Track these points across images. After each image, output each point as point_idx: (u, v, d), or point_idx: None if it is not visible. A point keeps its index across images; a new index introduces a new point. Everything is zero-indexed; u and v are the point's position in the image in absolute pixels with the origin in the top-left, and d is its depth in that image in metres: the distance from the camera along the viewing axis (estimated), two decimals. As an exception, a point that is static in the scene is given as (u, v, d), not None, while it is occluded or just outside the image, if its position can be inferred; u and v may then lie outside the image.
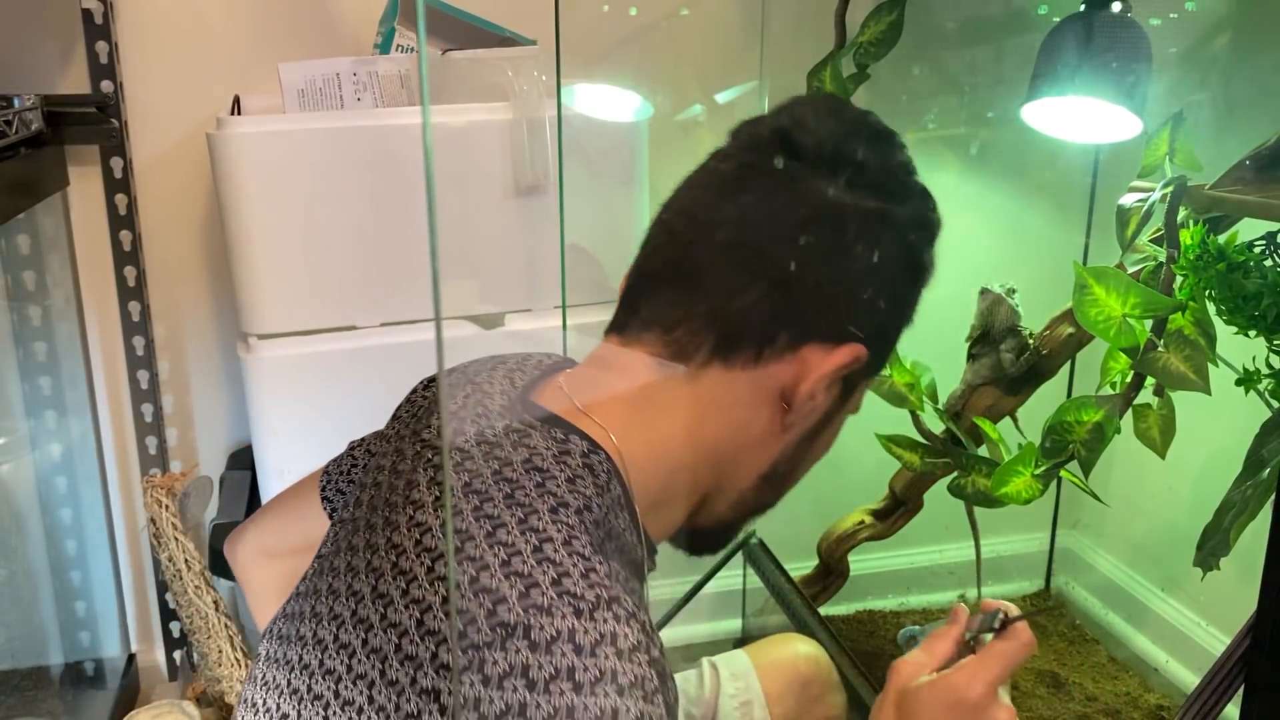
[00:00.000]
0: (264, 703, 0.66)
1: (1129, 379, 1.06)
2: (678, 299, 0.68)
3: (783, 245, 0.66)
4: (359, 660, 0.59)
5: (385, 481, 0.70)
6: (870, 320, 0.69)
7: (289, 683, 0.64)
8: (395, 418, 0.81)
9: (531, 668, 0.53)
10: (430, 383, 0.82)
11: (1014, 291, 1.30)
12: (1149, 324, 1.02)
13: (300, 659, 0.64)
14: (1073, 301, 1.02)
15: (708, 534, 0.76)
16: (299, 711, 0.62)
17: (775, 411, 0.69)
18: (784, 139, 0.69)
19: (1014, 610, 0.72)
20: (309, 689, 0.62)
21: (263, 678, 0.68)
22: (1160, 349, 1.00)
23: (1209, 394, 0.98)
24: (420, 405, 0.79)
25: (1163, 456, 1.06)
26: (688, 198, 0.71)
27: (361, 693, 0.58)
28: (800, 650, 1.13)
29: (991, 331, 1.30)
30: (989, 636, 0.72)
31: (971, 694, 0.68)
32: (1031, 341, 1.28)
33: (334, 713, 0.59)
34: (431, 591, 0.58)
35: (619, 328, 0.71)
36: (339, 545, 0.69)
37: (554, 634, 0.54)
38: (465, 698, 0.53)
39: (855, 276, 0.67)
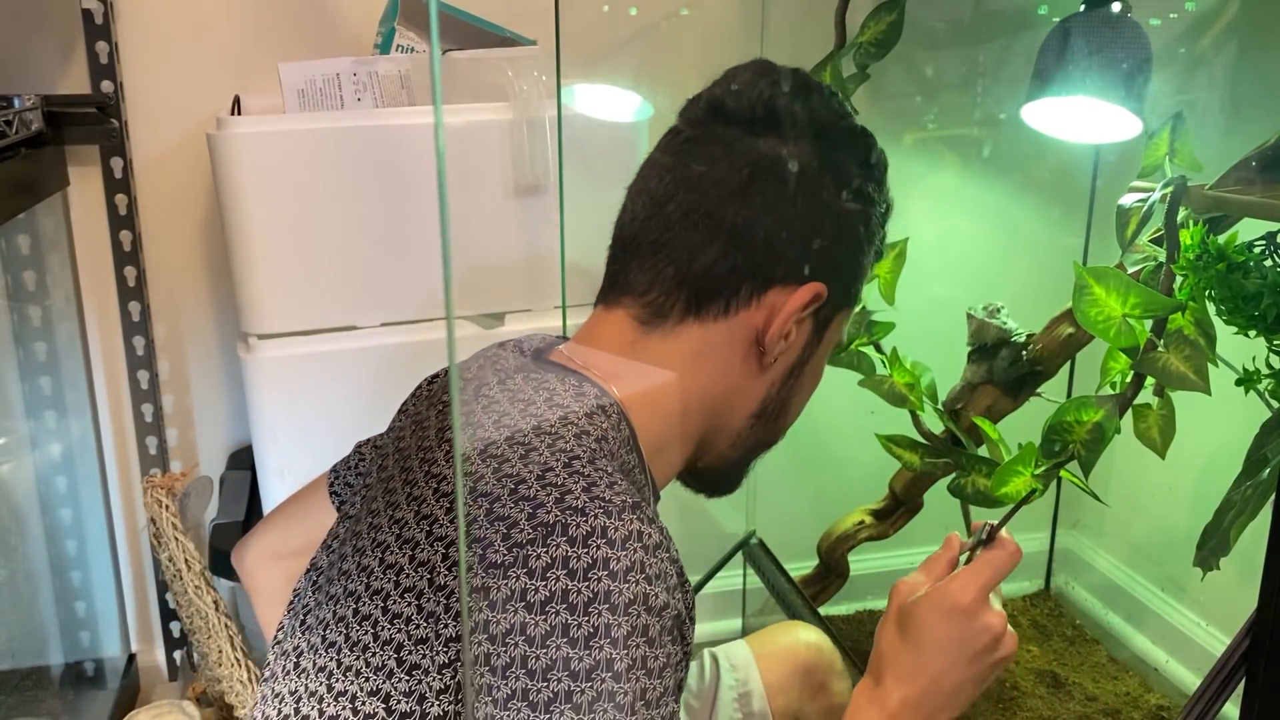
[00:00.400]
0: (308, 644, 0.70)
1: (1129, 379, 1.06)
2: (647, 266, 0.75)
3: (731, 203, 0.73)
4: (406, 575, 0.65)
5: (410, 443, 0.76)
6: (827, 259, 0.75)
7: (335, 614, 0.69)
8: (402, 411, 0.85)
9: (571, 559, 0.59)
10: (434, 379, 0.86)
11: (999, 310, 1.31)
12: (1149, 324, 1.02)
13: (345, 589, 0.69)
14: (1072, 301, 1.02)
15: (718, 474, 0.83)
16: (347, 635, 0.67)
17: (753, 355, 0.75)
18: (718, 107, 0.76)
19: (995, 523, 0.79)
20: (355, 612, 0.67)
21: (302, 623, 0.72)
22: (1160, 349, 1.00)
23: (1209, 394, 0.98)
24: (427, 394, 0.83)
25: (1162, 457, 1.06)
26: (645, 177, 0.78)
27: (410, 604, 0.64)
28: (802, 638, 1.12)
29: (986, 347, 1.31)
30: (980, 552, 0.78)
31: (965, 599, 0.74)
32: (1025, 353, 1.28)
33: (382, 628, 0.65)
34: (475, 506, 0.64)
35: (603, 298, 0.78)
36: (372, 494, 0.74)
37: (589, 530, 0.60)
38: (511, 590, 0.59)
39: (803, 222, 0.73)
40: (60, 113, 1.37)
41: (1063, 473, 1.10)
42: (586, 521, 0.60)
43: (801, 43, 1.44)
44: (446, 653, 0.62)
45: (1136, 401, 1.06)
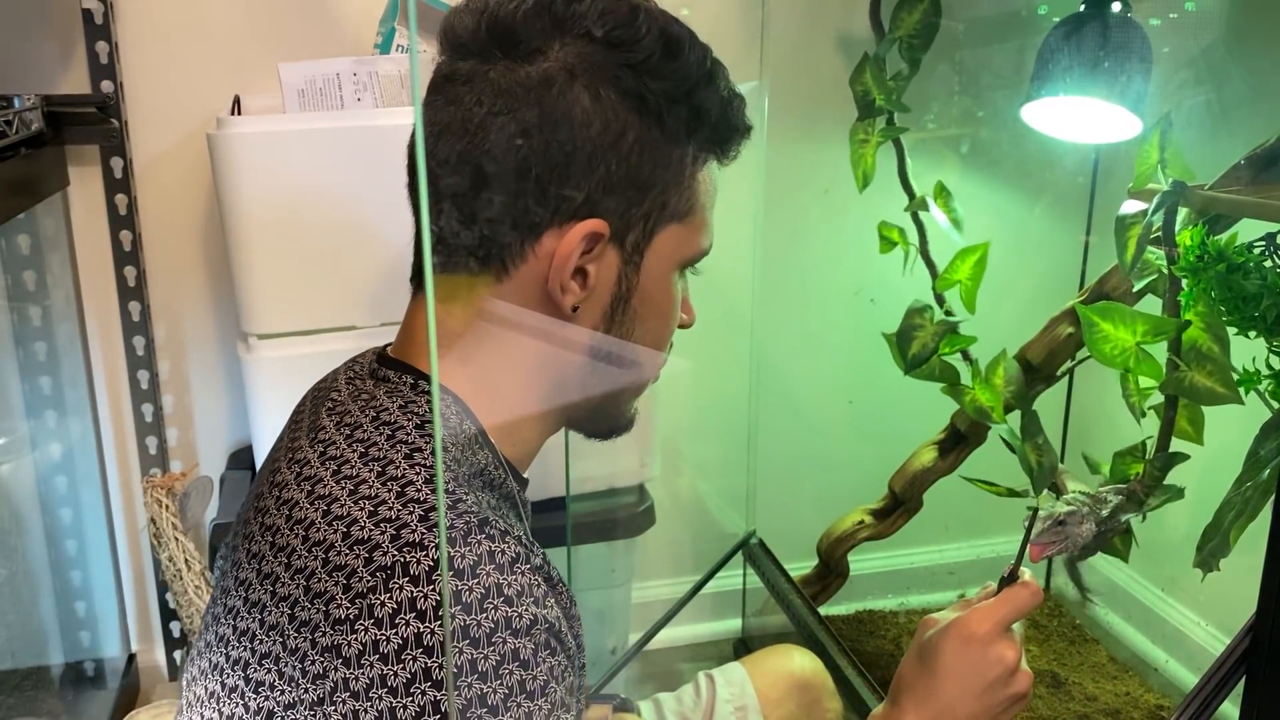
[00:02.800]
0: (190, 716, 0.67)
1: (1149, 394, 1.07)
2: (433, 244, 0.69)
3: (473, 149, 0.65)
4: (260, 641, 0.61)
5: (259, 491, 0.71)
6: (601, 188, 0.66)
7: (206, 689, 0.64)
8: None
9: (418, 600, 0.56)
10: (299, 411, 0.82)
11: (1090, 505, 1.07)
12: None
13: (211, 663, 0.65)
14: (1085, 340, 1.03)
15: (590, 424, 0.78)
16: (219, 711, 0.63)
17: (554, 307, 0.68)
18: (446, 39, 0.69)
19: (1027, 574, 0.80)
20: (223, 685, 0.63)
21: (185, 700, 0.68)
22: (1183, 368, 1.00)
23: (1242, 403, 0.99)
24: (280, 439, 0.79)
25: (1200, 443, 1.07)
26: (416, 132, 0.71)
27: (269, 670, 0.60)
28: (796, 659, 1.14)
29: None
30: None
31: (981, 629, 0.75)
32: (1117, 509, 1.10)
33: (250, 698, 0.61)
34: (310, 558, 0.60)
35: (412, 277, 0.73)
36: (225, 562, 0.71)
37: (432, 565, 0.56)
38: (363, 644, 0.56)
39: (553, 152, 0.65)
40: (60, 113, 1.37)
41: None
42: (428, 555, 0.57)
43: (802, 43, 1.44)
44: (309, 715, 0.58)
45: (1154, 403, 1.07)
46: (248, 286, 1.25)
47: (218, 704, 0.63)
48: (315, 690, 0.57)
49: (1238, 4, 1.29)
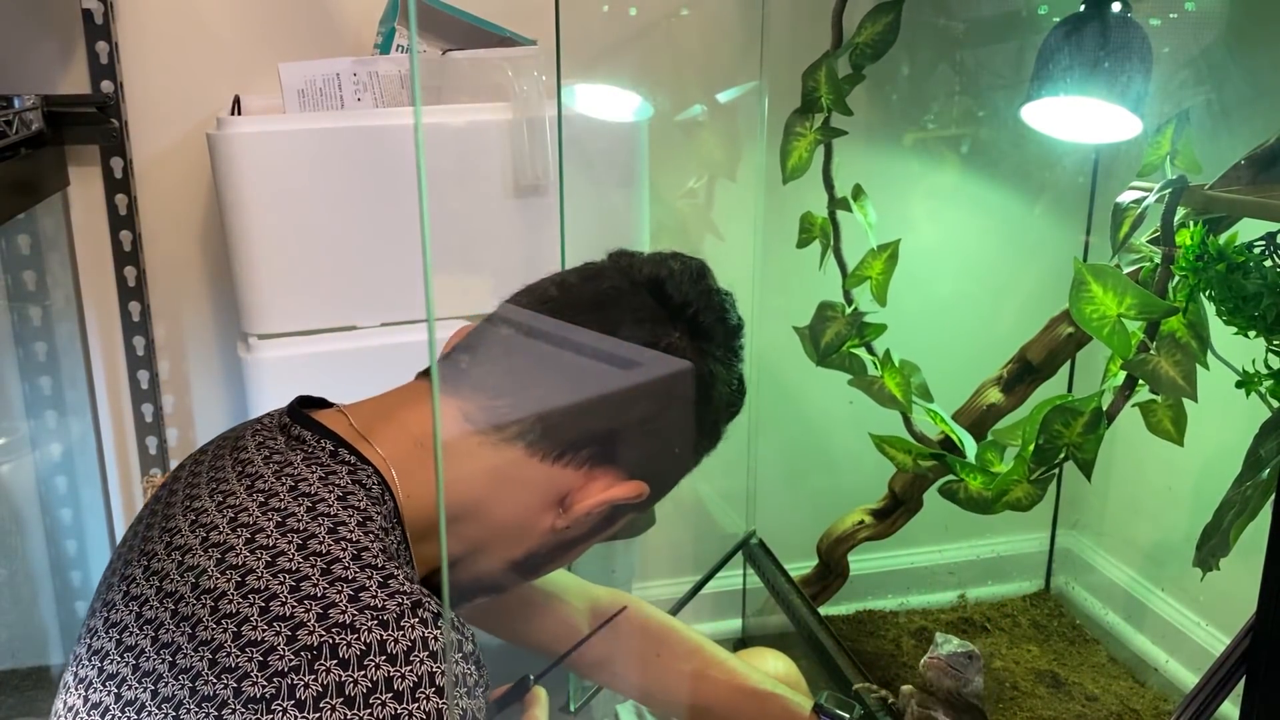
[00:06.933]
0: (65, 703, 0.65)
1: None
2: (515, 374, 0.75)
3: (621, 372, 0.73)
4: (149, 713, 0.58)
5: (146, 547, 0.68)
6: (662, 466, 0.76)
7: (84, 698, 0.63)
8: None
9: (346, 684, 0.54)
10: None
11: (974, 656, 0.99)
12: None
13: (76, 675, 0.63)
14: (1069, 298, 1.01)
15: (465, 586, 0.78)
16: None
17: (550, 511, 0.73)
18: (655, 282, 0.76)
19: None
20: (85, 699, 0.62)
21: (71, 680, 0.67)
22: (1153, 352, 0.99)
23: (1195, 400, 0.98)
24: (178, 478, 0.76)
25: (1181, 444, 1.06)
26: (560, 290, 0.77)
27: (146, 690, 0.58)
28: (770, 661, 1.15)
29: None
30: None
31: None
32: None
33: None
34: (219, 630, 0.58)
35: (447, 379, 0.75)
36: (102, 607, 0.68)
37: (364, 648, 0.55)
38: None
39: (668, 424, 0.75)
40: (60, 113, 1.37)
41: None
42: (359, 638, 0.55)
43: (801, 43, 1.44)
44: None
45: (1141, 399, 1.06)
46: (248, 286, 1.25)
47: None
48: None
49: (1238, 4, 1.29)
